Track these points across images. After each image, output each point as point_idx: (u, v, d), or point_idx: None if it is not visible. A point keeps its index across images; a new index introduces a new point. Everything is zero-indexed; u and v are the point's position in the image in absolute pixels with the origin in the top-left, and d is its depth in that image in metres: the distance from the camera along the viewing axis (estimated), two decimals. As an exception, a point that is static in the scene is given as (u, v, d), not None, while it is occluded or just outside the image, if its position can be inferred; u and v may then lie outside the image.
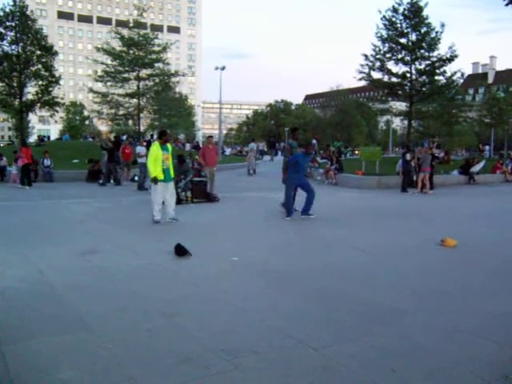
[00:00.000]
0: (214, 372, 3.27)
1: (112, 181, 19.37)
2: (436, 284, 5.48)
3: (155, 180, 9.39)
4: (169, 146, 9.90)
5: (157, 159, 9.41)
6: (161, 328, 4.06)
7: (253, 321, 4.28)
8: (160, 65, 32.85)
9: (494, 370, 3.37)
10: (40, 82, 25.38)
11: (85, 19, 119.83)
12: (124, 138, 35.43)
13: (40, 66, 25.15)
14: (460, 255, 7.01)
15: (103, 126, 64.10)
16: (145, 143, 23.61)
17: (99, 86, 34.47)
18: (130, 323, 4.17)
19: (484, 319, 4.34)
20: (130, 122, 34.49)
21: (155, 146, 9.61)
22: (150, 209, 9.79)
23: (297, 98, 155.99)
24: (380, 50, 28.52)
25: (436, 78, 28.83)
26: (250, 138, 53.26)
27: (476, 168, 22.82)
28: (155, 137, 47.35)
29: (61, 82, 27.30)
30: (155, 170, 9.40)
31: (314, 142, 27.68)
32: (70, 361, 3.45)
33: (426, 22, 27.75)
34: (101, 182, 19.29)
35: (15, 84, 24.84)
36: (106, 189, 18.54)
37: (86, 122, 74.89)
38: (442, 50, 28.00)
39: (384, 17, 28.09)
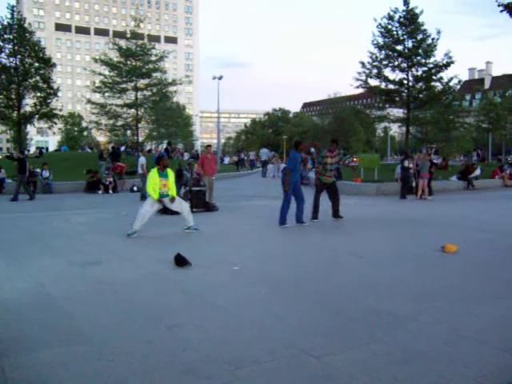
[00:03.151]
0: (216, 383, 3.24)
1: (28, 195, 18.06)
2: (437, 290, 5.46)
3: (159, 201, 9.30)
4: (169, 171, 9.54)
5: (155, 187, 9.26)
6: (162, 339, 4.03)
7: (254, 330, 4.25)
8: (158, 74, 32.92)
9: (498, 376, 3.34)
10: (38, 94, 25.45)
11: (82, 31, 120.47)
12: (122, 148, 35.52)
13: (38, 77, 25.23)
14: (461, 261, 6.98)
15: (101, 137, 64.18)
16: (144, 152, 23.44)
17: (97, 97, 34.45)
18: (130, 334, 4.14)
19: (487, 325, 4.31)
20: (129, 132, 34.47)
21: (152, 173, 9.40)
22: (148, 219, 9.75)
23: (294, 106, 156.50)
24: (377, 58, 28.61)
25: (433, 84, 28.91)
26: (263, 144, 54.09)
27: (475, 173, 22.86)
28: (157, 146, 47.41)
29: (59, 93, 27.32)
30: (155, 196, 9.27)
31: (313, 150, 27.80)
32: (71, 373, 3.41)
33: (422, 28, 27.85)
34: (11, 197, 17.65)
35: (13, 96, 24.90)
36: (105, 199, 18.49)
37: (85, 133, 74.92)
38: (439, 56, 28.12)
39: (380, 24, 28.22)
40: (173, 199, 9.44)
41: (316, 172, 11.70)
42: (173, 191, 9.53)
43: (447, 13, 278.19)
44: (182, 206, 9.73)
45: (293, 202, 10.49)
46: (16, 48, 24.93)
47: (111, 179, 21.51)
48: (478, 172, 23.29)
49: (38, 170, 21.16)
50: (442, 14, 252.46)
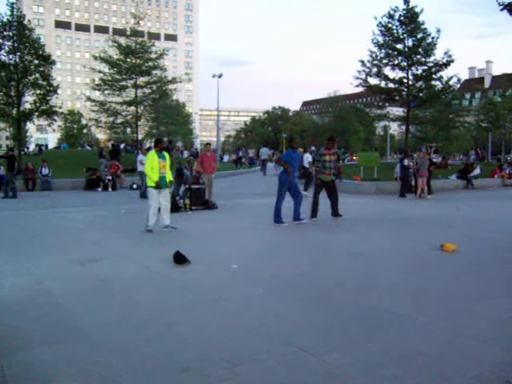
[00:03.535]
0: (214, 381, 3.25)
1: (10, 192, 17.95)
2: (436, 289, 5.46)
3: (157, 184, 9.43)
4: (166, 154, 9.90)
5: (153, 167, 9.49)
6: (160, 337, 4.03)
7: (253, 328, 4.25)
8: (157, 72, 32.87)
9: (496, 375, 3.35)
10: (38, 92, 25.37)
11: (82, 28, 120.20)
12: (122, 146, 35.48)
13: (38, 75, 25.15)
14: (459, 260, 6.99)
15: (101, 135, 64.05)
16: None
17: (97, 95, 34.38)
18: (128, 332, 4.15)
19: (486, 323, 4.31)
20: (128, 130, 34.43)
21: (151, 155, 9.72)
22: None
23: (294, 105, 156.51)
24: (377, 56, 28.58)
25: (433, 83, 28.89)
26: (263, 142, 54.67)
27: (474, 173, 22.89)
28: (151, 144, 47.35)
29: (59, 90, 27.21)
30: (154, 176, 9.45)
31: (313, 148, 27.80)
32: (69, 371, 3.41)
33: (422, 27, 27.82)
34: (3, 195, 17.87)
35: (13, 93, 24.82)
36: (104, 197, 18.49)
37: (84, 131, 74.85)
38: (438, 55, 28.11)
39: (380, 23, 28.19)
40: (171, 183, 9.96)
41: (315, 171, 11.70)
42: (169, 175, 9.80)
43: (447, 11, 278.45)
44: (167, 203, 9.82)
45: (290, 200, 10.52)
46: (16, 45, 24.85)
47: (110, 177, 21.51)
48: (477, 171, 23.30)
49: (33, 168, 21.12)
50: (441, 12, 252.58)
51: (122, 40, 32.58)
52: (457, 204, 14.69)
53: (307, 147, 34.79)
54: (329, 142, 11.43)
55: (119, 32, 46.03)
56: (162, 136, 40.32)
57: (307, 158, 18.45)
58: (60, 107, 27.48)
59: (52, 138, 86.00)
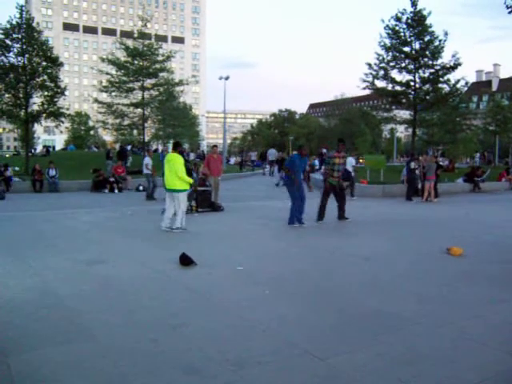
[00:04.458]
0: (220, 383, 3.26)
1: None
2: (442, 292, 5.45)
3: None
4: None
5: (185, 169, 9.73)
6: (166, 338, 4.05)
7: (258, 330, 4.26)
8: (164, 74, 32.98)
9: (501, 379, 3.34)
10: (46, 93, 25.51)
11: (90, 30, 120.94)
12: (128, 147, 35.60)
13: (46, 77, 25.30)
14: (466, 264, 6.96)
15: (108, 136, 64.31)
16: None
17: (104, 97, 34.54)
18: (135, 333, 4.17)
19: (491, 327, 4.31)
20: (135, 131, 34.54)
21: (181, 159, 9.75)
22: (154, 218, 9.82)
23: (301, 107, 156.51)
24: (384, 59, 28.54)
25: (440, 86, 28.80)
26: (269, 144, 54.80)
27: (483, 177, 22.87)
28: (164, 145, 47.51)
29: (66, 92, 27.37)
30: (188, 178, 9.69)
31: (324, 151, 27.78)
32: (75, 371, 3.44)
33: (430, 30, 27.76)
34: None
35: (21, 95, 24.97)
36: (111, 198, 18.57)
37: (91, 132, 75.17)
38: (446, 58, 28.02)
39: (387, 26, 28.15)
40: None
41: (325, 174, 11.66)
42: None
43: (452, 14, 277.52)
44: (182, 205, 9.86)
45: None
46: (24, 47, 25.01)
47: (112, 179, 21.58)
48: (486, 174, 23.33)
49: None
50: (446, 15, 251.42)
51: (130, 42, 32.73)
52: (464, 207, 14.63)
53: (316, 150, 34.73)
54: (339, 145, 11.37)
55: (127, 34, 46.20)
56: (168, 138, 40.52)
57: (351, 161, 17.18)
58: (67, 109, 27.63)
59: (59, 140, 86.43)
